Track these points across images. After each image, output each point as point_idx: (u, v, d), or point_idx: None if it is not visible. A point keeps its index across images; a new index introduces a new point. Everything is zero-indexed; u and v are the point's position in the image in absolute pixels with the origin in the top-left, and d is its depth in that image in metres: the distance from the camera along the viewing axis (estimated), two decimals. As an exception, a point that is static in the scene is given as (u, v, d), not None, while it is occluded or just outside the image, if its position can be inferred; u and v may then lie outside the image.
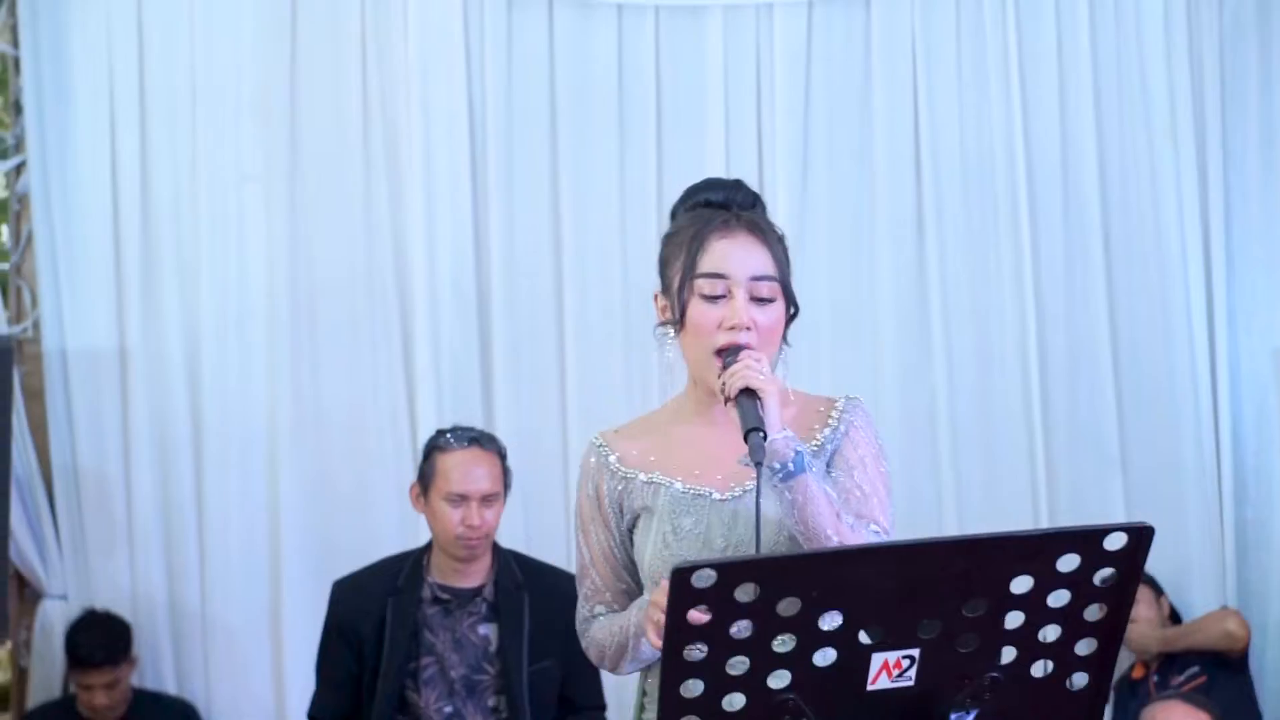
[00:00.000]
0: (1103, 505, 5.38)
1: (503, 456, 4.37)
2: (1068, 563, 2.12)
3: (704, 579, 2.04)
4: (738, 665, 2.12)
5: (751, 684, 2.13)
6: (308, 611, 5.17)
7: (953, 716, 2.21)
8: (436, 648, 4.23)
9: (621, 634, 2.69)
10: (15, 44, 5.31)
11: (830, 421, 2.74)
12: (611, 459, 2.77)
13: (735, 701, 2.15)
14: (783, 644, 2.11)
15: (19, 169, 5.34)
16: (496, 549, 4.36)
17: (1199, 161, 5.50)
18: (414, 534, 5.09)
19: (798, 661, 2.12)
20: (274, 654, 5.35)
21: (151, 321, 5.34)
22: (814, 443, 2.70)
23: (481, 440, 4.33)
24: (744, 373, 2.57)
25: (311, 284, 5.39)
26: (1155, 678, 5.21)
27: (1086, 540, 2.11)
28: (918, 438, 5.46)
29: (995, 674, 2.19)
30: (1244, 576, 5.50)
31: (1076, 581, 2.13)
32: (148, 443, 5.32)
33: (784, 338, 2.74)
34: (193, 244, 5.35)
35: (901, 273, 5.50)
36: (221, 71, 5.37)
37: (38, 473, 5.26)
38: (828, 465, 2.69)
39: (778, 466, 2.51)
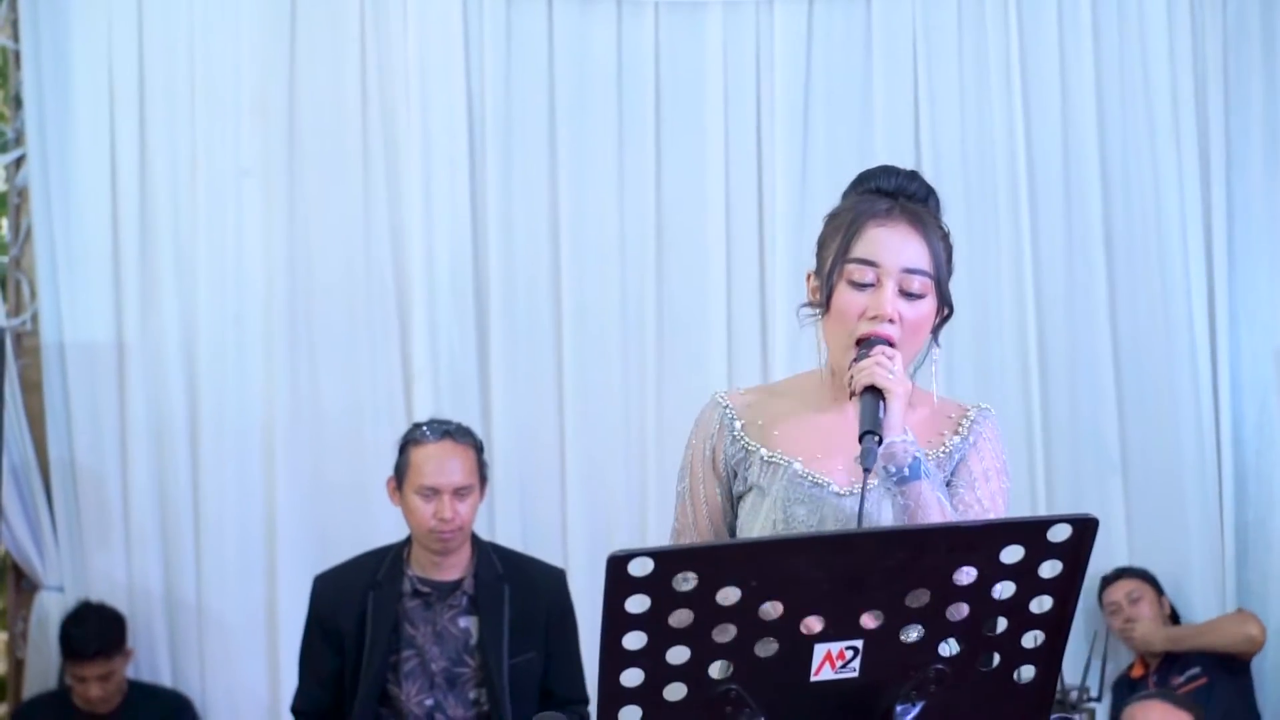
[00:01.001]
0: (1103, 506, 5.35)
1: (479, 449, 4.36)
2: (1011, 554, 2.09)
3: (641, 567, 2.03)
4: (678, 655, 2.10)
5: (692, 674, 2.11)
6: (303, 606, 5.14)
7: (898, 708, 2.19)
8: (417, 641, 4.23)
9: None
10: (16, 38, 5.33)
11: (961, 430, 2.68)
12: (737, 424, 2.70)
13: (676, 691, 2.12)
14: (723, 633, 2.09)
15: (19, 162, 5.36)
16: (476, 541, 4.35)
17: (1201, 161, 5.48)
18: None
19: (739, 651, 2.11)
20: (269, 647, 5.36)
21: (150, 315, 5.35)
22: (942, 449, 2.65)
23: (455, 433, 4.32)
24: (872, 369, 2.51)
25: (309, 280, 5.40)
26: (1155, 677, 5.18)
27: (1029, 532, 2.09)
28: (917, 437, 5.43)
29: (940, 666, 2.17)
30: (1244, 578, 5.47)
31: (1021, 573, 2.11)
32: (145, 436, 5.33)
33: (935, 338, 2.69)
34: (191, 239, 5.36)
35: (901, 272, 5.47)
36: (221, 67, 5.38)
37: (35, 465, 5.28)
38: (951, 474, 2.64)
39: (893, 470, 2.47)
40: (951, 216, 5.35)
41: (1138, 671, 5.30)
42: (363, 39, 5.39)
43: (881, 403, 2.49)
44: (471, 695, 4.23)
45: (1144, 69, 5.50)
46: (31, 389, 5.32)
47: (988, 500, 2.62)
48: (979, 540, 2.09)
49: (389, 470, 4.91)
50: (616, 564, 2.02)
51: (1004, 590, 2.13)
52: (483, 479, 4.32)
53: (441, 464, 4.22)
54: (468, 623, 4.25)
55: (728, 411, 2.73)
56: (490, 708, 4.21)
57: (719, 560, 2.07)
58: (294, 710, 4.39)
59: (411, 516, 4.25)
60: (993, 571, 2.10)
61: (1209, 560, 5.44)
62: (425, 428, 4.31)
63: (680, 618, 2.07)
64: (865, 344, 2.57)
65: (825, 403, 2.70)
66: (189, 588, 5.36)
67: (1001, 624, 2.16)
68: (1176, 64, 5.48)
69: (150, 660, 5.35)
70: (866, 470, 2.44)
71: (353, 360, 5.39)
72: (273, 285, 5.37)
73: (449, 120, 5.41)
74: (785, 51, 5.47)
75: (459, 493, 4.22)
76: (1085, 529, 2.09)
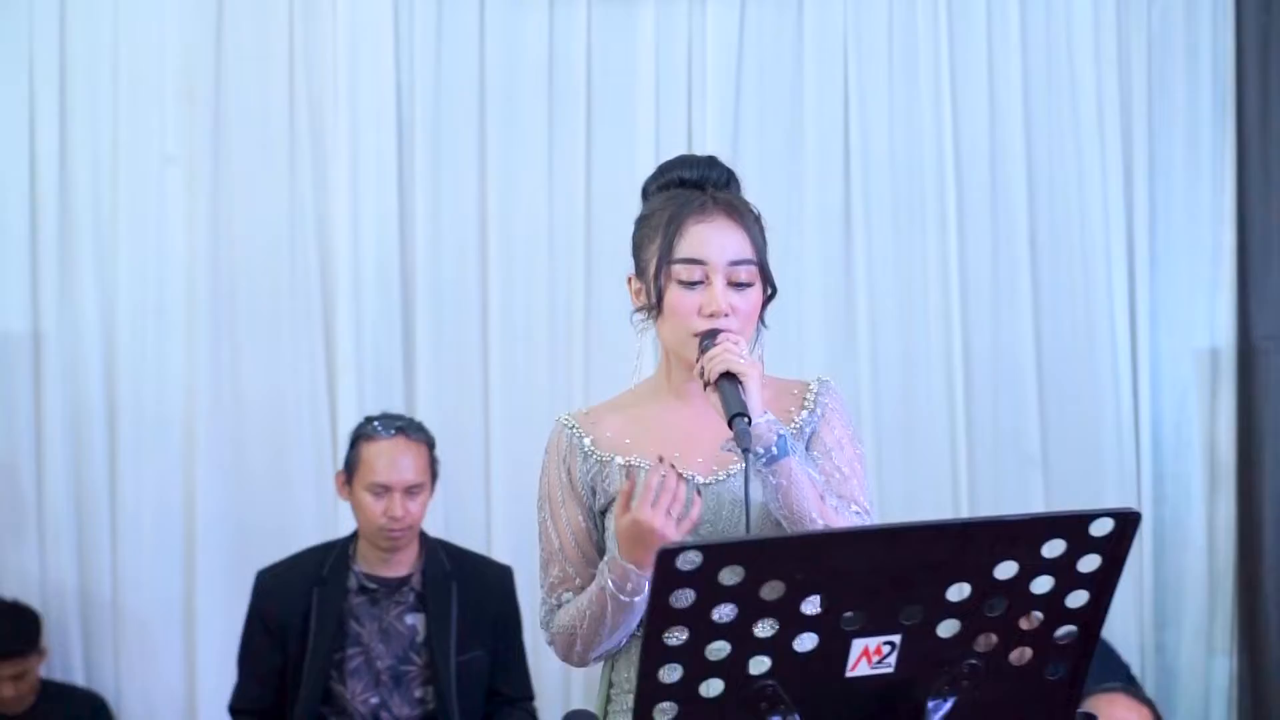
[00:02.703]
0: (1023, 504, 5.39)
1: (430, 446, 4.32)
2: (1053, 548, 2.09)
3: (689, 561, 2.00)
4: (718, 650, 2.08)
5: (731, 670, 2.09)
6: (223, 601, 5.11)
7: (930, 704, 2.18)
8: (362, 638, 4.17)
9: (593, 602, 2.60)
10: (-69, 19, 5.19)
11: (806, 404, 2.72)
12: (585, 441, 2.72)
13: (713, 687, 2.10)
14: (764, 629, 2.07)
15: (-66, 146, 5.22)
16: (424, 538, 4.30)
17: (1125, 162, 5.53)
18: (333, 523, 5.03)
19: (778, 647, 2.08)
20: (186, 645, 5.25)
21: (67, 305, 5.22)
22: (792, 425, 2.67)
23: (408, 430, 4.27)
24: (724, 356, 2.54)
25: (233, 269, 5.29)
26: None
27: (1072, 526, 2.09)
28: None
29: (974, 661, 2.16)
30: (1160, 576, 5.54)
31: (1061, 567, 2.10)
32: (60, 428, 5.20)
33: (762, 319, 2.71)
34: (111, 226, 5.24)
35: (829, 269, 5.49)
36: (144, 51, 5.26)
37: (-53, 458, 5.15)
38: (806, 447, 2.66)
39: (761, 451, 2.48)
40: (879, 215, 5.48)
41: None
42: (291, 26, 5.30)
43: (740, 386, 2.51)
44: (418, 693, 4.18)
45: (1070, 71, 5.54)
46: (-55, 379, 5.18)
47: (847, 467, 2.68)
48: (1023, 533, 2.09)
49: (312, 463, 4.87)
50: (665, 557, 1.99)
51: (1042, 585, 2.12)
52: (434, 476, 4.27)
53: (393, 461, 4.17)
54: (414, 620, 4.20)
55: (575, 431, 2.75)
56: (436, 706, 4.16)
57: (766, 554, 2.04)
58: (232, 709, 4.32)
59: (361, 513, 4.19)
60: (1033, 565, 2.10)
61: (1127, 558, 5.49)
62: (378, 423, 4.25)
63: (723, 612, 2.04)
64: (707, 336, 2.60)
65: (668, 401, 2.74)
66: (105, 584, 5.24)
67: (1037, 619, 2.15)
68: (1102, 67, 5.53)
69: (64, 659, 5.21)
70: (746, 451, 2.46)
71: (276, 352, 5.30)
72: (195, 274, 5.26)
73: (377, 110, 5.33)
74: (717, 50, 5.44)
75: (410, 491, 4.17)
76: (1128, 523, 2.09)
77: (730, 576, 2.02)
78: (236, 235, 5.30)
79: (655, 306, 2.66)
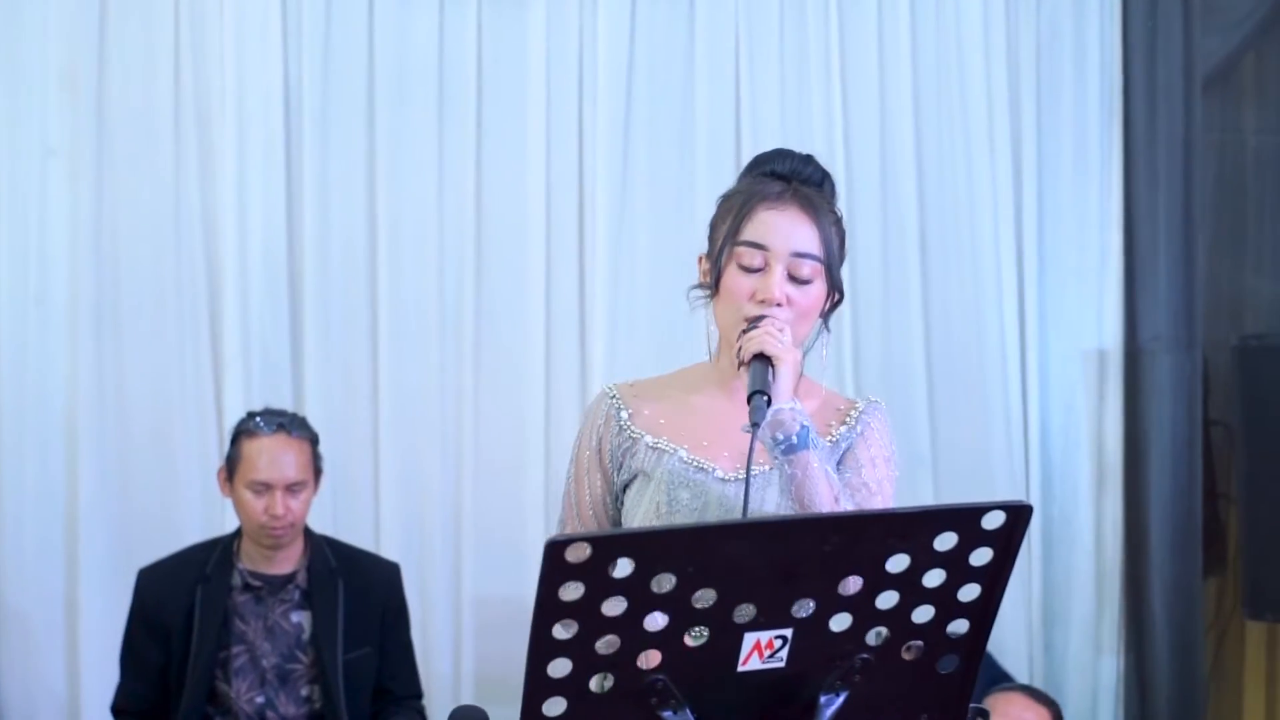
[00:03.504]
0: (913, 500, 5.38)
1: (314, 442, 4.27)
2: (944, 541, 2.08)
3: (578, 553, 1.97)
4: (608, 644, 2.05)
5: (620, 664, 2.07)
6: (107, 601, 5.00)
7: (822, 699, 2.16)
8: (247, 636, 4.11)
9: None
10: None
11: (849, 420, 2.71)
12: (624, 415, 2.71)
13: (603, 682, 2.08)
14: (654, 622, 2.04)
15: None
16: (309, 535, 4.25)
17: (1014, 163, 5.55)
18: (219, 519, 4.94)
19: (669, 641, 2.06)
20: (69, 645, 5.13)
21: (-57, 300, 5.12)
22: (830, 439, 2.65)
23: (289, 426, 4.22)
24: (761, 337, 2.53)
25: (116, 262, 5.18)
26: None
27: (964, 519, 2.08)
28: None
29: (865, 655, 2.14)
30: (1049, 574, 5.57)
31: (953, 560, 2.09)
32: (-62, 423, 5.10)
33: (825, 323, 2.70)
34: (-11, 217, 5.14)
35: (719, 270, 5.46)
36: (26, 40, 5.14)
37: None
38: (839, 462, 2.63)
39: (780, 438, 2.47)
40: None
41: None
42: (177, 15, 5.18)
43: (771, 369, 2.49)
44: (304, 692, 4.13)
45: (959, 71, 5.55)
46: None
47: (875, 484, 2.65)
48: (914, 526, 2.08)
49: (197, 461, 4.79)
50: (554, 549, 1.96)
51: (934, 578, 2.11)
52: (318, 472, 4.22)
53: (274, 459, 4.12)
54: (300, 618, 4.15)
55: (615, 402, 2.74)
56: (323, 705, 4.11)
57: (657, 546, 2.02)
58: (114, 709, 4.24)
59: (242, 510, 4.13)
60: (925, 558, 2.09)
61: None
62: (260, 418, 4.20)
63: (613, 605, 2.01)
64: (754, 321, 2.59)
65: (712, 390, 2.73)
66: (-16, 584, 5.13)
67: (929, 613, 2.14)
68: (991, 67, 5.54)
69: (-58, 659, 5.11)
70: (755, 425, 2.44)
71: (161, 346, 5.19)
72: (78, 268, 5.15)
73: (265, 103, 5.24)
74: (608, 47, 5.40)
75: (291, 489, 4.12)
76: (1019, 516, 2.09)
77: (621, 569, 1.99)
78: (120, 228, 5.19)
79: (714, 287, 2.63)
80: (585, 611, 2.01)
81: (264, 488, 4.10)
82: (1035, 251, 5.57)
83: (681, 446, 2.65)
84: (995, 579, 2.13)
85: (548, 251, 5.38)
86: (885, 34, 5.53)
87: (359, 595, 4.17)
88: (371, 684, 4.20)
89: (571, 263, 5.39)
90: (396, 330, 5.31)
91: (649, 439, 2.67)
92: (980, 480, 5.52)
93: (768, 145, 5.34)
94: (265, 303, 5.24)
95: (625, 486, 2.71)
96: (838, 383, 5.45)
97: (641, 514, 2.64)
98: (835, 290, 2.69)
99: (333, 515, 5.15)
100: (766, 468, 2.59)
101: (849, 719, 2.17)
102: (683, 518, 2.59)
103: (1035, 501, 5.53)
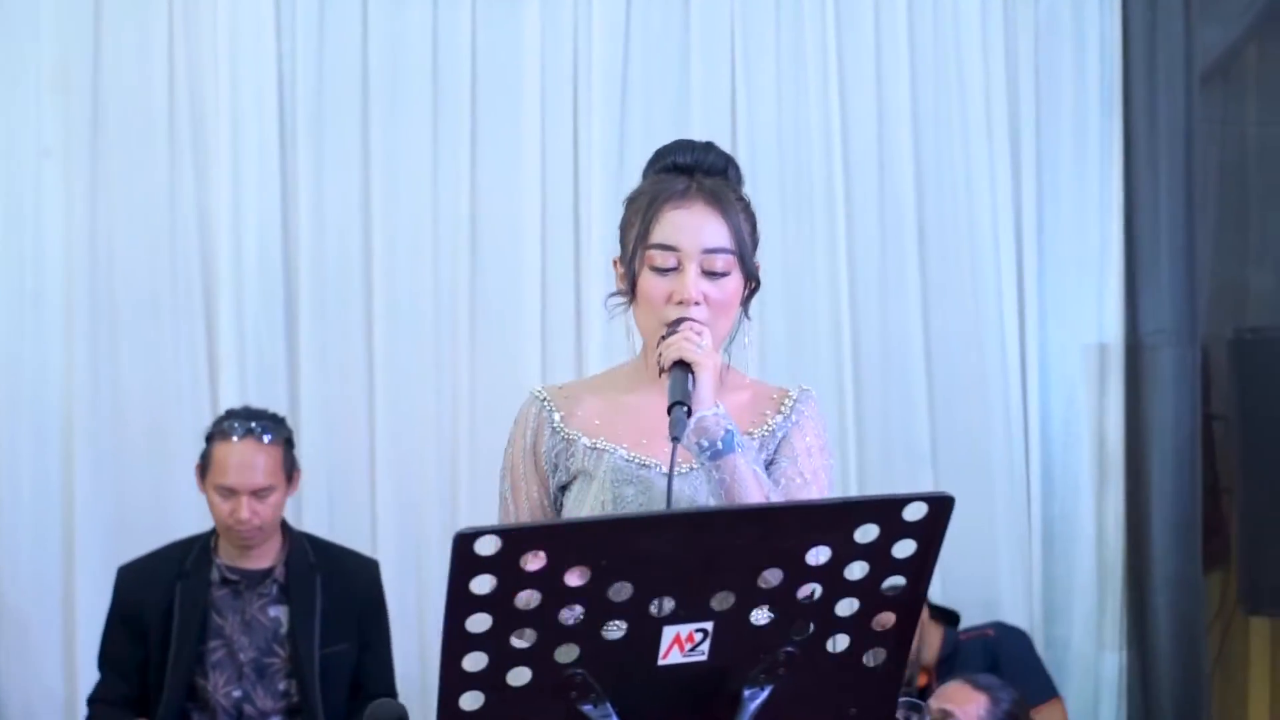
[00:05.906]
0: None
1: (287, 444, 4.27)
2: (866, 533, 2.06)
3: (488, 545, 1.96)
4: (523, 638, 2.04)
5: (537, 658, 2.05)
6: (103, 598, 4.96)
7: (746, 693, 2.14)
8: (225, 630, 4.12)
9: None
10: None
11: (783, 409, 2.69)
12: (555, 417, 2.69)
13: (520, 676, 2.06)
14: (570, 616, 2.03)
15: None
16: (288, 530, 4.26)
17: (1013, 157, 5.52)
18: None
19: (586, 635, 2.04)
20: (65, 641, 5.16)
21: (-60, 297, 5.14)
22: (765, 429, 2.65)
23: (258, 431, 4.23)
24: (679, 344, 2.51)
25: (112, 261, 5.20)
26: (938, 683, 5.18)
27: (885, 510, 2.05)
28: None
29: (790, 649, 2.12)
30: (1049, 570, 5.54)
31: (875, 553, 2.07)
32: (-66, 422, 5.12)
33: (745, 311, 2.69)
34: (-15, 218, 5.16)
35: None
36: (20, 40, 5.17)
37: None
38: (774, 452, 2.63)
39: (706, 444, 2.44)
40: (767, 210, 5.40)
41: (922, 682, 5.29)
42: (171, 14, 5.21)
43: (690, 376, 2.48)
44: (281, 686, 4.14)
45: (958, 65, 5.52)
46: None
47: (809, 474, 2.64)
48: (834, 518, 2.06)
49: (193, 459, 4.78)
50: (463, 542, 1.94)
51: (857, 570, 2.09)
52: (291, 472, 4.22)
53: (241, 465, 4.14)
54: (278, 612, 4.16)
55: (546, 405, 2.72)
56: (300, 699, 4.12)
57: (569, 539, 2.00)
58: (92, 700, 4.26)
59: (211, 510, 4.17)
60: (846, 551, 2.06)
61: (1016, 551, 5.49)
62: (233, 421, 4.21)
63: (527, 599, 2.00)
64: (673, 325, 2.57)
65: (642, 388, 2.70)
66: (-20, 579, 5.16)
67: (853, 605, 2.12)
68: (989, 59, 5.51)
69: (-60, 657, 5.14)
70: (675, 440, 2.41)
71: (157, 344, 5.21)
72: (74, 266, 5.17)
73: (259, 103, 5.25)
74: (603, 43, 5.39)
75: (258, 494, 4.13)
76: (941, 507, 2.06)
77: (532, 562, 1.98)
78: (116, 228, 5.21)
79: (630, 292, 2.63)
80: (498, 605, 1.99)
81: (230, 492, 4.12)
82: (1035, 245, 5.54)
83: (620, 445, 2.63)
84: (919, 571, 2.11)
85: (542, 249, 5.37)
86: (882, 25, 5.51)
87: (337, 591, 4.18)
88: (348, 679, 4.21)
89: (566, 261, 5.39)
90: (391, 328, 5.31)
91: (586, 440, 2.66)
92: (980, 476, 5.50)
93: (764, 142, 5.42)
94: (260, 301, 5.24)
95: (563, 488, 2.69)
96: (837, 377, 5.44)
97: (587, 512, 2.61)
98: (751, 278, 2.68)
99: (329, 513, 5.17)
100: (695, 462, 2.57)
101: (775, 713, 2.15)
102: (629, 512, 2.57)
103: (1036, 496, 5.52)
